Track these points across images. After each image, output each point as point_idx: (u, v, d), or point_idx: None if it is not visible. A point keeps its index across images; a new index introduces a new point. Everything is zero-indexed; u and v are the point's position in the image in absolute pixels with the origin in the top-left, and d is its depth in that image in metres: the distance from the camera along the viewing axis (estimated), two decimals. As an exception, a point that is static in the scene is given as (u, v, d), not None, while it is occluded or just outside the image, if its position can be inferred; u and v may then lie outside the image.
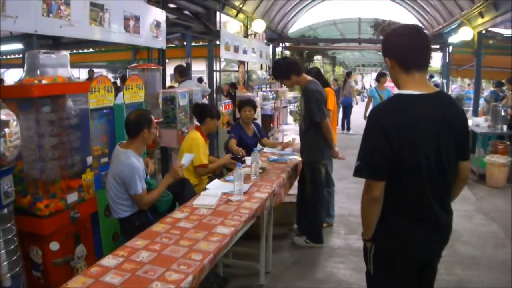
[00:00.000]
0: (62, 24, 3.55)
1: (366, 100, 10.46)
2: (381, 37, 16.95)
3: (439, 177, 1.91)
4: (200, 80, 13.27)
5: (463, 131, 1.99)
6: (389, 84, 8.68)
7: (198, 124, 4.56)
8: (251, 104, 5.14)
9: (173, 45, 11.02)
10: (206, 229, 2.57)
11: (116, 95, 4.01)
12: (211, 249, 2.27)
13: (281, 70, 4.36)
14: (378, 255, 2.02)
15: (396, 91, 2.03)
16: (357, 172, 1.93)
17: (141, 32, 4.85)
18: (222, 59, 9.14)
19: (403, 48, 1.92)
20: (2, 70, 11.73)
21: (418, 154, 1.85)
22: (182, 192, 3.54)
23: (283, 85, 12.67)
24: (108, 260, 2.13)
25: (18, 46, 7.84)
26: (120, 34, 4.45)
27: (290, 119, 14.81)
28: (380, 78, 8.88)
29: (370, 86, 32.84)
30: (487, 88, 16.10)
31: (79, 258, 3.30)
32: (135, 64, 5.09)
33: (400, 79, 1.95)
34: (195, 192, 3.59)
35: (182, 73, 7.08)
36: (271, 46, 13.86)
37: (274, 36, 14.03)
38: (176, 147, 5.57)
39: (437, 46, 13.69)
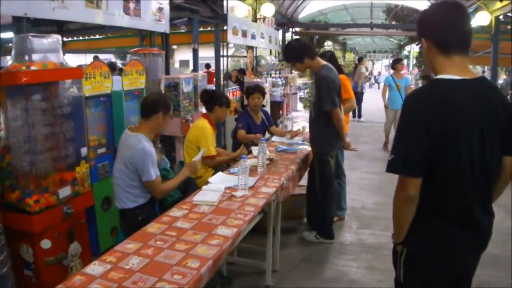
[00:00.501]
0: (55, 6, 3.30)
1: (381, 87, 10.02)
2: (394, 22, 16.62)
3: (482, 173, 1.67)
4: (207, 66, 13.04)
5: (510, 122, 1.72)
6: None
7: (205, 111, 4.30)
8: (259, 90, 4.79)
9: (181, 31, 10.74)
10: (206, 230, 2.33)
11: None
12: (210, 255, 2.03)
13: (294, 53, 4.01)
14: (410, 261, 1.80)
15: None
16: (391, 168, 1.68)
17: (143, 15, 4.60)
18: (230, 45, 8.85)
19: (441, 26, 1.67)
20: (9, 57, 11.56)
21: (460, 147, 1.61)
22: (185, 192, 3.31)
23: (293, 71, 12.41)
24: (94, 267, 1.90)
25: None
26: (120, 17, 4.19)
27: (300, 106, 14.53)
28: (396, 65, 8.48)
29: (379, 73, 32.44)
30: (501, 76, 15.67)
31: (73, 256, 3.11)
32: (135, 49, 4.83)
33: (438, 63, 1.70)
34: None
35: None
36: (280, 31, 13.50)
37: (284, 21, 13.64)
38: (180, 135, 5.35)
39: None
